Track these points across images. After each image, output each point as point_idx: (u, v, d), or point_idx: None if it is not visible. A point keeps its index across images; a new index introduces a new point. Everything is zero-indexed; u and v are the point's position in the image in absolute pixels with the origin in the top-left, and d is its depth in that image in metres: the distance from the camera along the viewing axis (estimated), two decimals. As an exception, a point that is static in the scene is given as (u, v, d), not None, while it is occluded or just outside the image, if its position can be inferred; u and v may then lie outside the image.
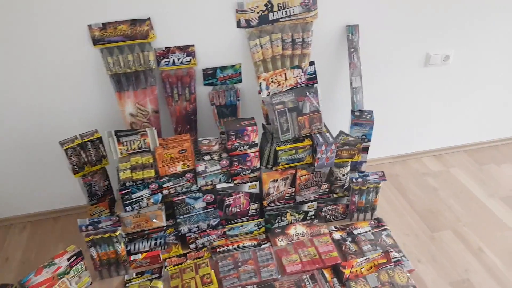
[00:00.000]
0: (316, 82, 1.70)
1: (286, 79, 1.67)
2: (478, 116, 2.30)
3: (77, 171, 1.66)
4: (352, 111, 1.90)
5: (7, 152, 1.82)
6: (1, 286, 1.43)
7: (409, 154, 2.33)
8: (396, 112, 2.16)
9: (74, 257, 1.56)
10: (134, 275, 1.69)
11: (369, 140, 1.90)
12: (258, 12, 1.70)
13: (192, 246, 1.80)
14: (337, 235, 1.84)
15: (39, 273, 1.46)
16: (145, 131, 1.59)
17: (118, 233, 1.61)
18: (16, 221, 1.99)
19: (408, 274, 1.63)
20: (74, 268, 1.56)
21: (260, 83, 1.65)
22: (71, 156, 1.62)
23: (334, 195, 1.88)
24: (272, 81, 1.66)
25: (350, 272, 1.64)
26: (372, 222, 1.90)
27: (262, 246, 1.79)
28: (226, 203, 1.77)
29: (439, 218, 1.92)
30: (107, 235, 1.60)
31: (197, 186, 1.70)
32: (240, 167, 1.72)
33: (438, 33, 1.97)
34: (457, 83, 2.15)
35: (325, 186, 1.84)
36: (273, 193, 1.80)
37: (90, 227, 1.59)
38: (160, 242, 1.75)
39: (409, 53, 2.00)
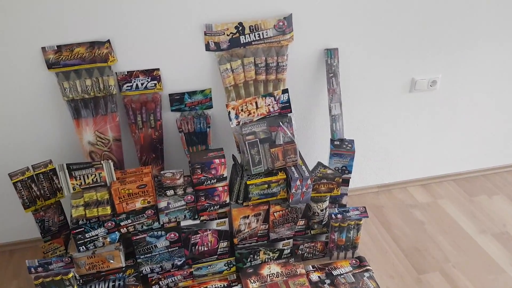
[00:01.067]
0: (290, 111, 1.57)
1: (257, 107, 1.54)
2: (468, 144, 2.16)
3: (28, 205, 1.52)
4: (332, 140, 1.77)
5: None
6: None
7: (395, 183, 2.19)
8: (380, 139, 2.03)
9: (18, 303, 1.41)
10: (88, 321, 1.53)
11: (349, 172, 1.77)
12: (228, 35, 1.58)
13: (155, 287, 1.65)
14: (314, 276, 1.69)
15: (-27, 325, 1.31)
16: (100, 164, 1.45)
17: (70, 275, 1.45)
18: (-33, 255, 1.84)
19: (390, 324, 1.48)
20: (17, 316, 1.41)
21: (229, 112, 1.52)
22: (21, 190, 1.48)
23: (312, 232, 1.74)
24: (242, 109, 1.53)
25: (326, 320, 1.49)
26: (354, 262, 1.75)
27: (232, 288, 1.64)
28: (192, 242, 1.62)
29: (426, 257, 1.77)
30: (58, 277, 1.45)
31: (159, 223, 1.55)
32: (208, 202, 1.57)
33: (424, 57, 1.85)
34: (444, 109, 2.03)
35: (301, 222, 1.70)
36: (244, 230, 1.65)
37: (40, 269, 1.44)
38: (119, 284, 1.59)
39: (393, 78, 1.88)
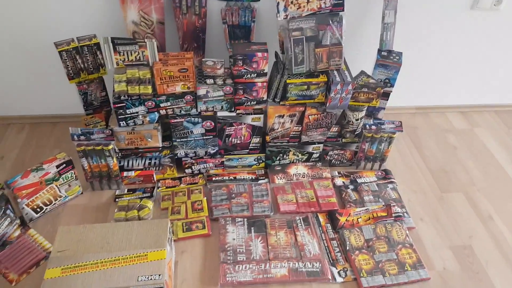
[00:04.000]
0: (342, 10, 1.48)
1: (308, 1, 1.46)
2: (520, 75, 2.05)
3: (72, 76, 1.56)
4: (379, 50, 1.69)
5: (7, 51, 1.72)
6: (-12, 183, 1.41)
7: (434, 106, 2.13)
8: (427, 58, 1.93)
9: (64, 165, 1.52)
10: (125, 191, 1.66)
11: (392, 85, 1.72)
12: None
13: (188, 171, 1.75)
14: (339, 181, 1.75)
15: (25, 176, 1.43)
16: (144, 42, 1.44)
17: (110, 147, 1.54)
18: (15, 121, 1.95)
19: (407, 231, 1.54)
20: (63, 175, 1.53)
21: (278, 3, 1.45)
22: (65, 59, 1.51)
23: (343, 140, 1.75)
24: (291, 2, 1.46)
25: (346, 220, 1.57)
26: (379, 173, 1.79)
27: (259, 182, 1.72)
28: (226, 133, 1.66)
29: (452, 179, 1.79)
30: (99, 147, 1.54)
31: (196, 110, 1.59)
32: (245, 97, 1.58)
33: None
34: (504, 33, 1.88)
35: (334, 129, 1.71)
36: (277, 129, 1.68)
37: (82, 137, 1.53)
38: (155, 162, 1.69)
39: (456, -10, 1.72)
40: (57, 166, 1.50)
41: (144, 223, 1.31)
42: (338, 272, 1.42)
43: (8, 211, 1.43)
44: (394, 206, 1.60)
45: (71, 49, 1.50)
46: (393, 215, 1.58)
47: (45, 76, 1.82)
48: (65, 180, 1.54)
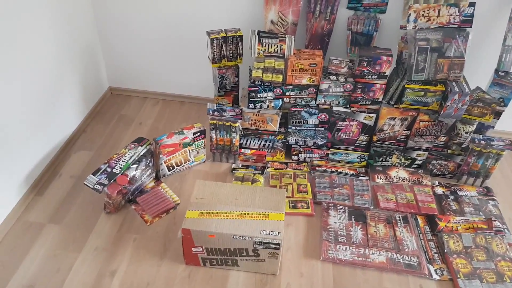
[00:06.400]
0: (470, 26, 1.58)
1: (438, 15, 1.58)
2: None
3: (215, 61, 1.82)
4: (496, 70, 1.74)
5: (160, 34, 2.05)
6: (138, 138, 1.70)
7: (544, 137, 2.10)
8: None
9: (199, 133, 1.78)
10: (240, 165, 1.87)
11: (505, 105, 1.75)
12: None
13: (295, 158, 1.92)
14: (439, 190, 1.80)
15: (170, 137, 1.71)
16: (284, 37, 1.66)
17: (237, 124, 1.77)
18: (151, 95, 2.28)
19: (508, 246, 1.56)
20: (196, 142, 1.79)
21: (409, 14, 1.59)
22: (214, 46, 1.78)
23: (449, 151, 1.81)
24: (422, 14, 1.59)
25: (445, 226, 1.62)
26: (481, 190, 1.81)
27: (360, 178, 1.84)
28: (337, 127, 1.82)
29: (559, 207, 1.76)
30: (228, 123, 1.78)
31: (315, 102, 1.76)
32: (362, 96, 1.73)
33: None
34: None
35: (442, 138, 1.78)
36: (386, 130, 1.80)
37: (215, 113, 1.78)
38: (269, 145, 1.89)
39: None
40: (194, 133, 1.76)
41: (265, 189, 1.49)
42: (435, 270, 1.49)
43: (150, 164, 1.71)
44: (495, 221, 1.63)
45: (220, 38, 1.76)
46: (494, 228, 1.60)
47: (183, 61, 2.13)
48: (196, 147, 1.80)
